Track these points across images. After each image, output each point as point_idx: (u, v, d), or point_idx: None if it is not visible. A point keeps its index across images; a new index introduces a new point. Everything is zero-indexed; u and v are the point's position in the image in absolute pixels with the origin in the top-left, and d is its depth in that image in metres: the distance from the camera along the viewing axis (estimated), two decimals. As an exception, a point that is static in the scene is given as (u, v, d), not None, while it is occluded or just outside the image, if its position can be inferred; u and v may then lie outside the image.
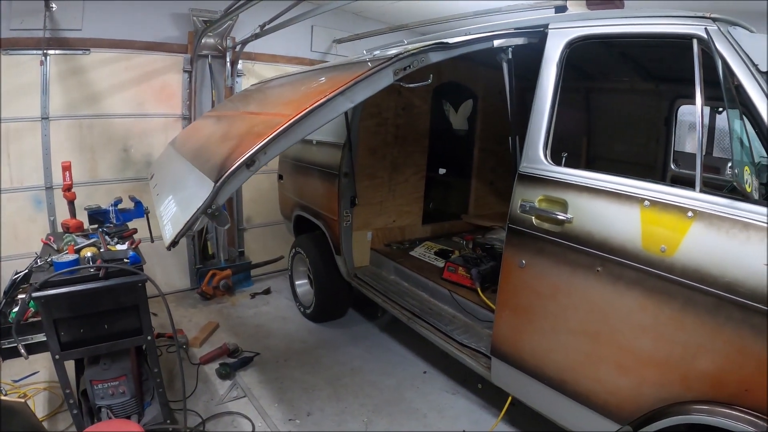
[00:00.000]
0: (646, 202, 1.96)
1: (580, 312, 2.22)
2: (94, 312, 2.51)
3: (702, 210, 1.82)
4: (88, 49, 4.20)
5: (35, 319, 2.58)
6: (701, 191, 1.85)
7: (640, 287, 1.98)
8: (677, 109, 3.80)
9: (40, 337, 2.54)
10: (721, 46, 1.88)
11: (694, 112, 3.77)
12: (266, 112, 2.66)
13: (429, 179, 4.64)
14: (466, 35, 2.65)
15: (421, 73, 2.23)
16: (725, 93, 1.83)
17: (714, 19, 1.93)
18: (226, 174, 1.84)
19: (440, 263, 3.98)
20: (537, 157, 2.41)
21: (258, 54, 5.08)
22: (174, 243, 1.88)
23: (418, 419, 3.32)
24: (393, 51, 2.39)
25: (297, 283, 4.86)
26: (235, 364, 3.73)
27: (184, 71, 4.64)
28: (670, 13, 2.05)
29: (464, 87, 4.72)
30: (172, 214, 2.12)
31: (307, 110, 1.94)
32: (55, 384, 3.27)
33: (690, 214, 1.84)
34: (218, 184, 1.83)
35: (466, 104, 4.93)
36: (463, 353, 3.03)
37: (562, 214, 2.24)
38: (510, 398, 2.78)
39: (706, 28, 1.92)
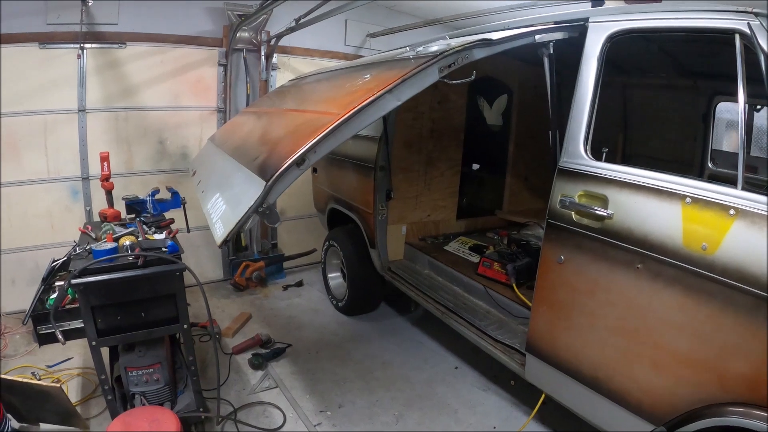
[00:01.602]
0: (688, 199, 1.92)
1: (618, 309, 2.18)
2: (132, 300, 2.56)
3: (744, 208, 1.77)
4: (124, 43, 4.30)
5: (73, 305, 2.64)
6: (743, 189, 1.81)
7: (679, 285, 1.94)
8: (715, 106, 3.69)
9: (77, 324, 2.61)
10: (764, 41, 1.81)
11: (731, 109, 3.72)
12: (311, 109, 2.66)
13: (463, 174, 4.59)
14: (504, 29, 2.62)
15: (464, 70, 2.21)
16: None
17: (756, 14, 1.86)
18: (278, 173, 1.84)
19: (475, 259, 3.93)
20: (577, 152, 2.36)
21: (292, 48, 5.10)
22: (226, 241, 1.89)
23: (449, 414, 3.29)
24: (435, 47, 2.37)
25: (330, 276, 4.88)
26: (267, 355, 3.77)
27: (219, 65, 4.70)
28: (712, 7, 1.99)
29: (499, 82, 4.64)
30: (221, 212, 2.13)
31: (356, 109, 1.94)
32: (89, 370, 3.38)
33: (732, 212, 1.79)
34: (269, 183, 1.83)
35: (500, 99, 4.85)
36: (497, 349, 3.00)
37: (603, 210, 2.19)
38: (543, 396, 2.73)
39: (748, 23, 1.86)
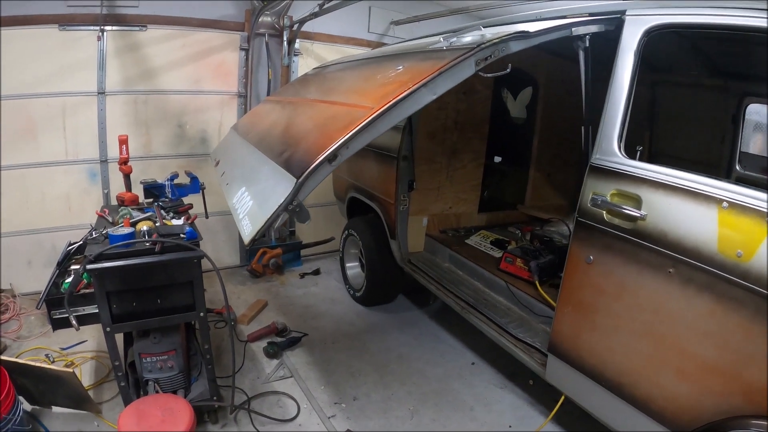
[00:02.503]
0: (725, 204, 1.84)
1: (646, 313, 2.13)
2: (148, 286, 2.53)
3: None
4: (145, 26, 4.24)
5: (88, 290, 2.62)
6: None
7: (711, 292, 1.88)
8: (746, 108, 3.56)
9: (92, 309, 2.58)
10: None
11: (760, 111, 3.57)
12: (340, 101, 2.57)
13: (486, 167, 4.49)
14: (538, 20, 2.52)
15: (498, 62, 2.13)
16: None
17: None
18: (309, 169, 1.78)
19: (496, 253, 3.85)
20: (611, 150, 2.26)
21: (315, 34, 5.02)
22: (254, 240, 1.83)
23: (464, 411, 3.24)
24: (468, 38, 2.31)
25: (348, 265, 4.83)
26: (282, 344, 3.75)
27: (241, 49, 4.63)
28: (759, 6, 1.87)
29: (525, 74, 4.50)
30: (248, 208, 2.07)
31: (391, 103, 1.87)
32: (103, 353, 3.38)
33: None
34: (300, 180, 1.78)
35: (525, 92, 4.73)
36: (517, 347, 2.94)
37: (636, 211, 2.11)
38: (562, 398, 2.67)
39: None
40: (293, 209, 1.77)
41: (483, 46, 2.03)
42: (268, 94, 4.77)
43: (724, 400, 1.85)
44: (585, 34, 2.33)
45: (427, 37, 3.42)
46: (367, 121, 1.83)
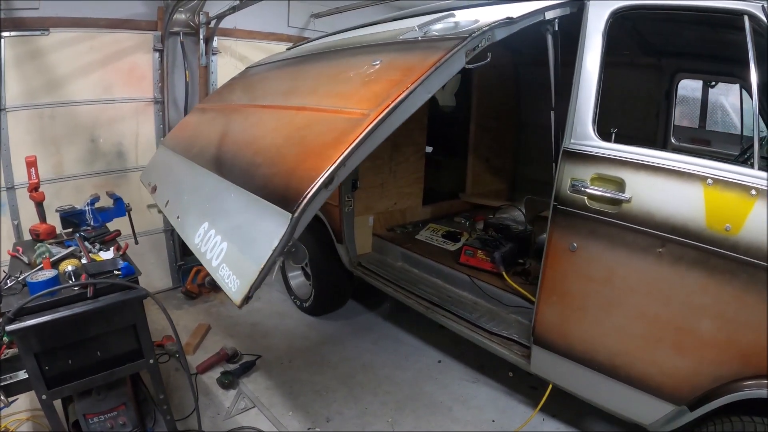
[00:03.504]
0: (709, 181, 1.89)
1: (638, 295, 2.13)
2: (84, 338, 2.15)
3: (763, 188, 1.78)
4: (47, 29, 3.67)
5: (11, 350, 2.17)
6: (759, 169, 1.82)
7: (702, 267, 1.92)
8: (677, 83, 3.74)
9: (22, 375, 2.13)
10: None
11: (689, 86, 3.78)
12: (313, 106, 2.21)
13: (427, 159, 4.39)
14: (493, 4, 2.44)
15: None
16: None
17: None
18: (306, 200, 1.48)
19: (450, 247, 3.77)
20: (587, 134, 2.23)
21: (233, 30, 4.63)
22: (248, 298, 1.50)
23: (443, 413, 3.14)
24: (440, 26, 2.17)
25: (290, 275, 4.53)
26: (236, 371, 3.42)
27: (155, 50, 4.17)
28: None
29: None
30: (223, 253, 1.73)
31: (391, 106, 1.62)
32: (40, 412, 2.86)
33: (753, 192, 1.80)
34: (297, 214, 1.47)
35: (452, 79, 4.66)
36: (493, 342, 2.86)
37: (620, 194, 2.09)
38: (550, 387, 2.63)
39: (762, 6, 1.87)
40: (288, 250, 1.49)
41: (474, 35, 1.88)
42: (186, 98, 4.36)
43: (723, 367, 1.90)
44: (554, 18, 2.26)
45: (372, 24, 3.24)
46: (368, 130, 1.57)
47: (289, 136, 2.10)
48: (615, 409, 2.33)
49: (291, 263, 1.53)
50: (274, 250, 1.47)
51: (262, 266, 1.48)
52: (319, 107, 2.12)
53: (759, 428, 1.83)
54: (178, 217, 2.36)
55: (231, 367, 3.50)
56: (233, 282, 1.59)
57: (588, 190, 2.19)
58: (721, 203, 1.87)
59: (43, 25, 3.65)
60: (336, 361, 3.67)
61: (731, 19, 1.98)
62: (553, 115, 2.42)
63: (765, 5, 1.87)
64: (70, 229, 2.87)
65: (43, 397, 2.06)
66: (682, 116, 3.93)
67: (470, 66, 1.92)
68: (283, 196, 1.59)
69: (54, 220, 2.86)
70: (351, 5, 4.78)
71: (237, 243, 1.74)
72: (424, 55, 1.90)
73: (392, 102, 1.63)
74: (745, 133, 3.61)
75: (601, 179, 2.17)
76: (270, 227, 1.55)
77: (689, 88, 3.82)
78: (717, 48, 3.10)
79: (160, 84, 4.24)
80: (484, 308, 3.16)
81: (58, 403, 2.34)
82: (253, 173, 1.94)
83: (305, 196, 1.49)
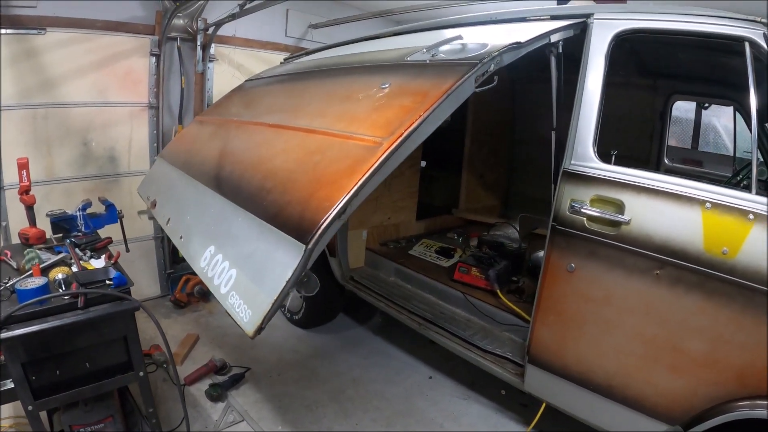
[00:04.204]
0: (708, 204, 1.92)
1: (636, 316, 2.15)
2: (73, 349, 2.10)
3: (761, 213, 1.82)
4: (44, 29, 3.60)
5: (-2, 359, 2.11)
6: (757, 193, 1.85)
7: (699, 290, 1.94)
8: (672, 105, 3.81)
9: (8, 384, 2.07)
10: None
11: (684, 107, 3.85)
12: (323, 130, 2.16)
13: (420, 173, 4.39)
14: (492, 23, 2.47)
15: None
16: None
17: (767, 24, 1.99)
18: (319, 232, 1.46)
19: (444, 263, 3.76)
20: (587, 155, 2.25)
21: (231, 38, 4.61)
22: (261, 329, 1.49)
23: (434, 430, 3.10)
24: (447, 47, 2.18)
25: (281, 287, 4.48)
26: (225, 383, 3.35)
27: (151, 54, 4.12)
28: (723, 14, 2.04)
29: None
30: (232, 281, 1.70)
31: (405, 135, 1.60)
32: (23, 419, 2.77)
33: (750, 216, 1.83)
34: (311, 246, 1.45)
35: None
36: (487, 360, 2.85)
37: (620, 216, 2.11)
38: (543, 406, 2.62)
39: (764, 33, 1.93)
40: (301, 280, 1.48)
41: (484, 60, 1.89)
42: (181, 104, 4.32)
43: (718, 388, 1.91)
44: (559, 41, 2.28)
45: (373, 39, 3.24)
46: (382, 159, 1.54)
47: (300, 161, 2.05)
48: (609, 429, 2.32)
49: (303, 293, 1.51)
50: (287, 282, 1.46)
51: (275, 298, 1.46)
52: (331, 131, 2.08)
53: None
54: (181, 237, 2.32)
55: (220, 379, 3.44)
56: (245, 312, 1.57)
57: (587, 212, 2.20)
58: (719, 227, 1.89)
59: (40, 24, 3.59)
60: (326, 376, 3.62)
61: (730, 44, 2.02)
62: (554, 135, 2.42)
63: (766, 32, 1.92)
64: (61, 235, 2.82)
65: (30, 408, 2.01)
66: (675, 137, 3.98)
67: (479, 90, 1.92)
68: (297, 226, 1.57)
69: (44, 224, 2.80)
70: (348, 18, 4.79)
71: (247, 272, 1.70)
72: (435, 81, 1.89)
73: (405, 131, 1.62)
74: (737, 155, 3.67)
75: (600, 201, 2.19)
76: (283, 258, 1.53)
77: (682, 109, 3.88)
78: (713, 71, 3.16)
79: (155, 89, 4.20)
80: (477, 326, 3.15)
81: (43, 412, 2.27)
82: (263, 198, 1.90)
83: (319, 227, 1.47)
